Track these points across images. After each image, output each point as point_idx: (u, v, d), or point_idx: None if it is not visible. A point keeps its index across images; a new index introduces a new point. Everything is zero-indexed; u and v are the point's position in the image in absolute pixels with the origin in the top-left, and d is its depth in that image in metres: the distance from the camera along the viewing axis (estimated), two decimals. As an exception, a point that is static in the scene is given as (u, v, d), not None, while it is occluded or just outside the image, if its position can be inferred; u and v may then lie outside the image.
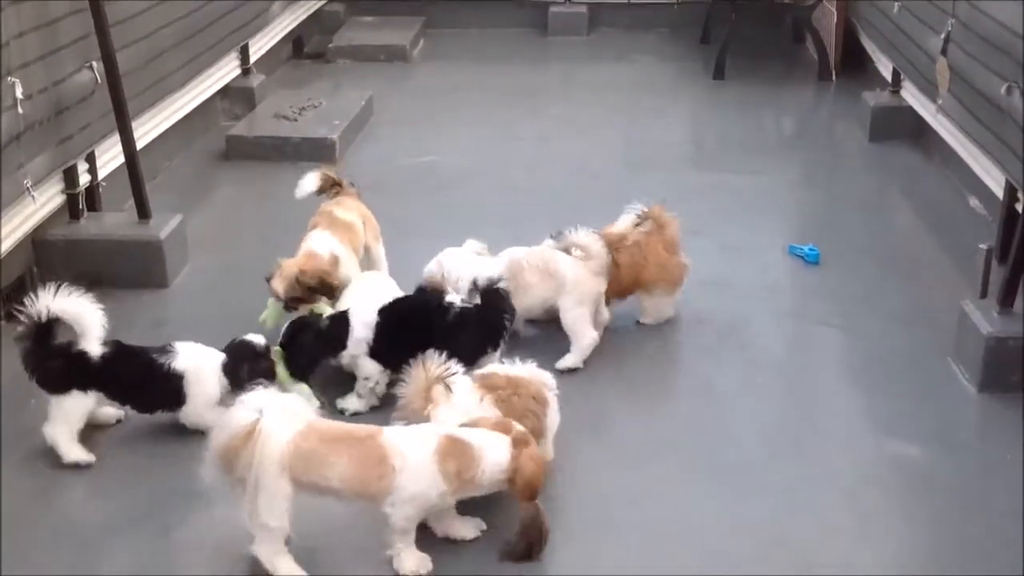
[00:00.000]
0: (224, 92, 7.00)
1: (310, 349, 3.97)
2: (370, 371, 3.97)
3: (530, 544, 3.22)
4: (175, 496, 3.57)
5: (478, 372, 3.61)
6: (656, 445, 3.87)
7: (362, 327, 3.97)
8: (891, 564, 3.30)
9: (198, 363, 3.83)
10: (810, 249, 5.20)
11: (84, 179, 5.09)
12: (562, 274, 4.23)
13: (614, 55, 8.94)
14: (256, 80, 7.26)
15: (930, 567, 3.29)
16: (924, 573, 3.26)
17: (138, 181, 5.04)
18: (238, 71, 7.18)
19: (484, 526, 3.36)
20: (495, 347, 3.93)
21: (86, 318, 3.73)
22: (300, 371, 3.94)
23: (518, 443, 3.18)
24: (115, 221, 5.13)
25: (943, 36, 5.48)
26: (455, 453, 3.13)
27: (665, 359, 4.47)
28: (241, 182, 6.24)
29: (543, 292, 4.24)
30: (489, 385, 3.49)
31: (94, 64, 4.92)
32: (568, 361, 4.22)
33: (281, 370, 3.91)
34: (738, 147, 6.90)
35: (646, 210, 4.51)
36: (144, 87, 5.51)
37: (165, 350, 3.86)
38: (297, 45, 8.77)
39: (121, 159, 5.13)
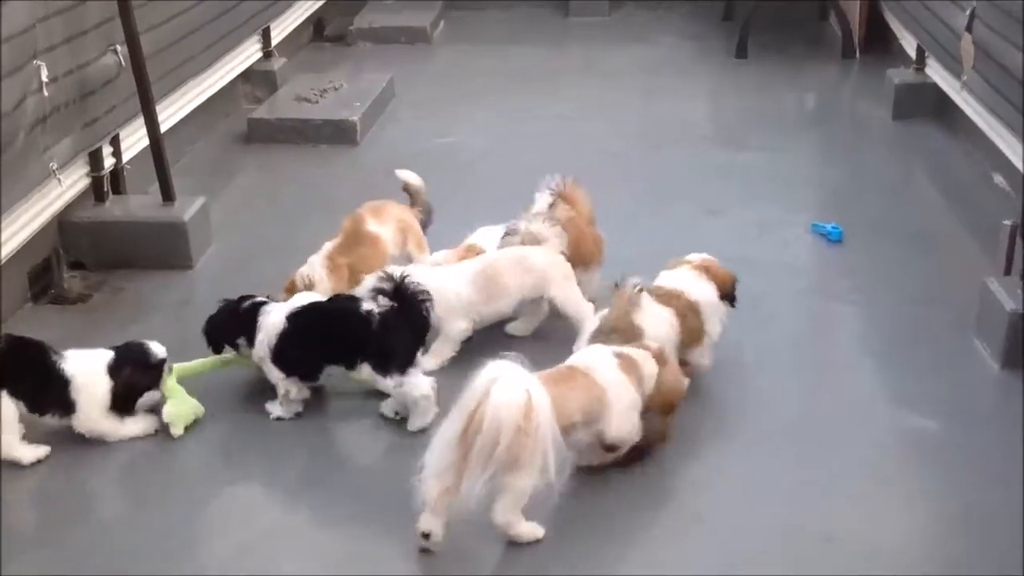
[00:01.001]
0: (246, 75, 7.04)
1: (220, 327, 3.91)
2: (274, 378, 3.81)
3: (642, 448, 3.48)
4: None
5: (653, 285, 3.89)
6: (684, 418, 3.89)
7: (269, 329, 3.79)
8: (909, 536, 3.31)
9: (86, 367, 3.68)
10: (833, 227, 5.19)
11: (109, 162, 5.14)
12: (538, 266, 4.20)
13: (635, 35, 8.92)
14: (277, 63, 7.29)
15: (948, 540, 3.30)
16: (942, 545, 3.27)
17: (162, 164, 5.08)
18: (260, 54, 7.21)
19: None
20: (423, 345, 3.83)
21: None
22: (212, 345, 3.93)
23: (659, 360, 3.50)
24: (140, 203, 5.18)
25: (968, 12, 5.44)
26: (631, 369, 3.42)
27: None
28: (263, 165, 6.28)
29: (521, 291, 4.20)
30: (664, 297, 3.83)
31: (118, 47, 4.96)
32: (583, 343, 4.20)
33: (172, 382, 3.78)
34: (760, 125, 6.88)
35: (558, 189, 4.47)
36: (167, 70, 5.54)
37: (56, 351, 3.70)
38: (318, 28, 8.79)
39: (145, 142, 5.16)
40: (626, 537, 3.32)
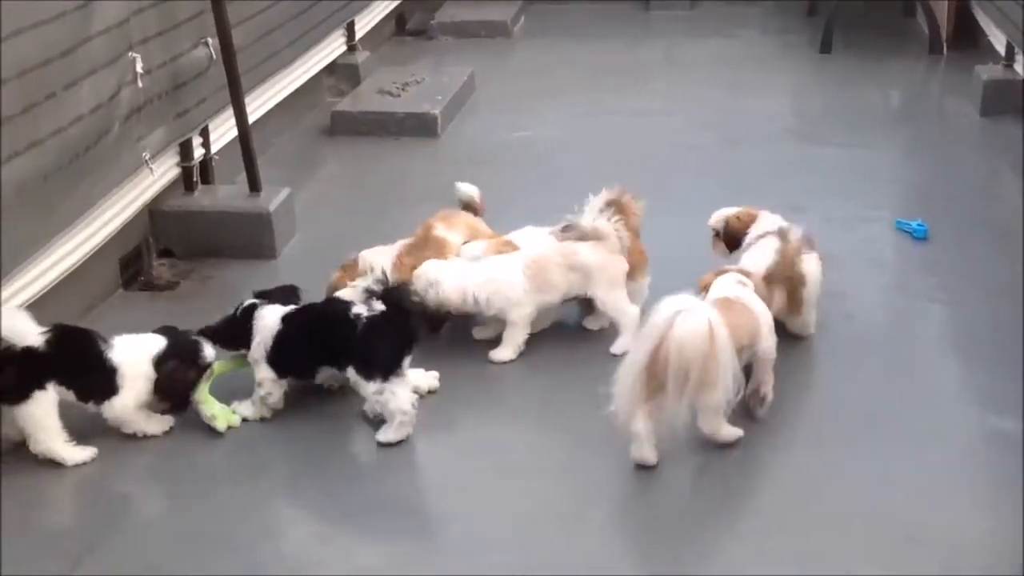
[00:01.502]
0: (330, 69, 7.14)
1: (221, 332, 3.88)
2: (263, 377, 3.78)
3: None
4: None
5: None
6: (761, 419, 3.88)
7: (264, 331, 3.79)
8: (992, 537, 3.25)
9: (132, 356, 3.69)
10: (918, 225, 5.11)
11: (198, 152, 5.26)
12: (587, 265, 4.20)
13: (717, 29, 8.86)
14: (361, 57, 7.39)
15: (1036, 543, 3.24)
16: (1029, 549, 3.22)
17: (250, 155, 5.19)
18: (344, 48, 7.32)
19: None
20: (410, 352, 3.72)
21: (19, 328, 3.57)
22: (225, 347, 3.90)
23: (794, 253, 4.16)
24: (227, 193, 5.29)
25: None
26: (761, 295, 3.82)
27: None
28: (346, 156, 6.38)
29: (567, 287, 4.21)
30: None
31: (209, 40, 5.07)
32: (622, 344, 4.18)
33: (203, 389, 3.76)
34: (843, 121, 6.79)
35: (612, 197, 4.38)
36: (256, 63, 5.66)
37: (105, 339, 3.71)
38: (400, 22, 8.89)
39: (233, 133, 5.28)
40: (706, 534, 3.32)
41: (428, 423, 3.78)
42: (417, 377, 3.90)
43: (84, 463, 3.62)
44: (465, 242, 4.40)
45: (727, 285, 3.81)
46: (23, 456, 3.62)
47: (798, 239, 4.17)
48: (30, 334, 3.58)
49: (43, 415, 3.56)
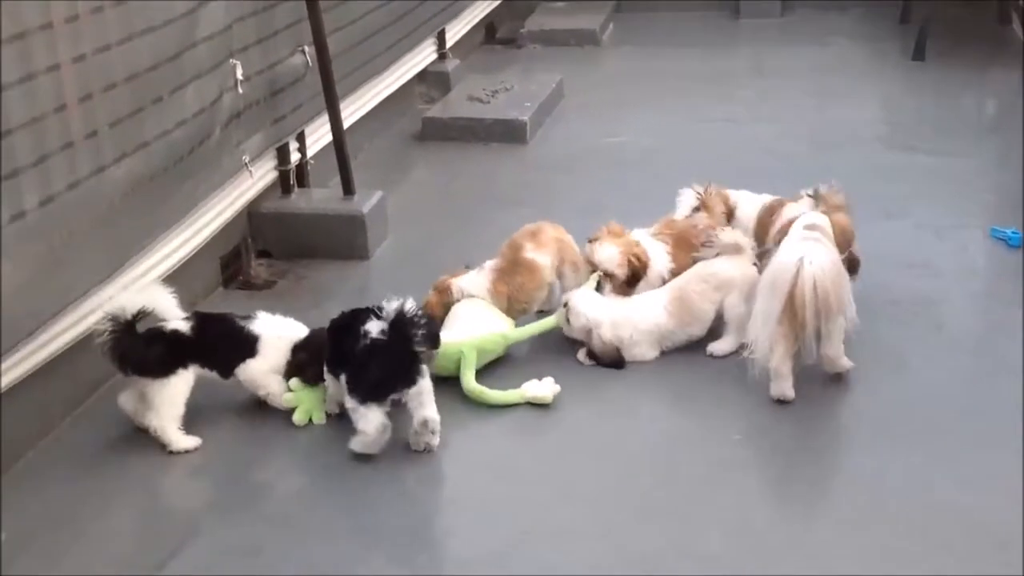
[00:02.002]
0: (421, 76, 7.27)
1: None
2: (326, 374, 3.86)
3: None
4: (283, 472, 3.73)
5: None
6: (843, 418, 3.87)
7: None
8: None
9: (277, 332, 3.93)
10: (1013, 232, 5.03)
11: (295, 157, 5.41)
12: (731, 280, 4.22)
13: (807, 36, 8.81)
14: (451, 64, 7.51)
15: None
16: None
17: (344, 159, 5.32)
18: (435, 56, 7.45)
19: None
20: (407, 383, 3.62)
21: (165, 305, 3.82)
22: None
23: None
24: (322, 196, 5.43)
25: None
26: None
27: (857, 335, 4.41)
28: (435, 162, 6.49)
29: (713, 310, 4.23)
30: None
31: (306, 48, 5.22)
32: (723, 346, 4.23)
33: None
34: (936, 129, 6.71)
35: (701, 195, 4.56)
36: (350, 71, 5.80)
37: (246, 316, 3.97)
38: (490, 31, 9.00)
39: (328, 138, 5.42)
40: (785, 536, 3.32)
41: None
42: (536, 388, 3.94)
43: (188, 451, 3.77)
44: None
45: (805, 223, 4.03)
46: (137, 439, 3.79)
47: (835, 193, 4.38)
48: (174, 313, 3.84)
49: (176, 394, 3.78)
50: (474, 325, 4.14)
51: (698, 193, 4.67)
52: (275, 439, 3.86)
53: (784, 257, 3.83)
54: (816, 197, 4.41)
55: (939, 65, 7.82)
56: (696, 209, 4.63)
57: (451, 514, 3.52)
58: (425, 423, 3.66)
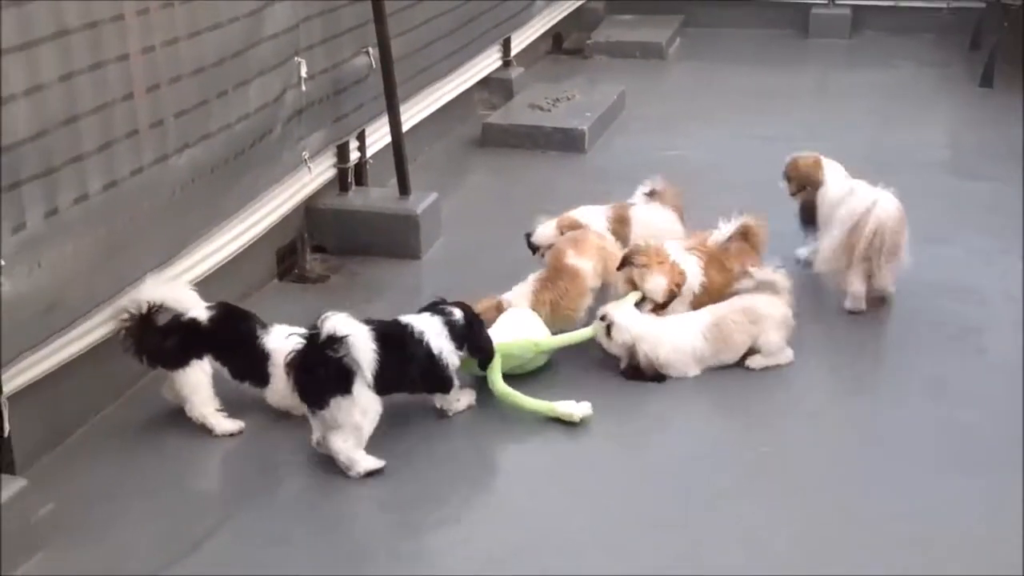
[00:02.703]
0: (484, 82, 7.38)
1: None
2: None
3: None
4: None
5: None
6: (879, 439, 3.88)
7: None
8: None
9: (286, 345, 3.72)
10: (1061, 262, 5.00)
11: (354, 155, 5.54)
12: (768, 317, 4.29)
13: (874, 59, 8.76)
14: (515, 72, 7.61)
15: None
16: None
17: (402, 160, 5.43)
18: (499, 63, 7.55)
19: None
20: (342, 393, 3.57)
21: (184, 299, 3.91)
22: None
23: None
24: (378, 195, 5.55)
25: None
26: None
27: (896, 356, 4.45)
28: (493, 167, 6.58)
29: (748, 343, 4.29)
30: None
31: (370, 50, 5.34)
32: (761, 360, 4.30)
33: None
34: (998, 156, 6.64)
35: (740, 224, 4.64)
36: (413, 74, 5.92)
37: (264, 325, 3.95)
38: (557, 41, 9.08)
39: (387, 139, 5.53)
40: (804, 555, 3.35)
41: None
42: (569, 407, 3.97)
43: (232, 434, 3.89)
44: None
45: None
46: (182, 422, 3.93)
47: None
48: (195, 306, 3.91)
49: (197, 383, 3.86)
50: (509, 332, 4.19)
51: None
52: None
53: (860, 196, 4.65)
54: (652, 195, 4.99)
55: (1007, 92, 7.73)
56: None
57: (470, 512, 3.59)
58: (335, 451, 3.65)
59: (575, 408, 3.97)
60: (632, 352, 4.21)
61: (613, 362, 4.30)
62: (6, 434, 3.42)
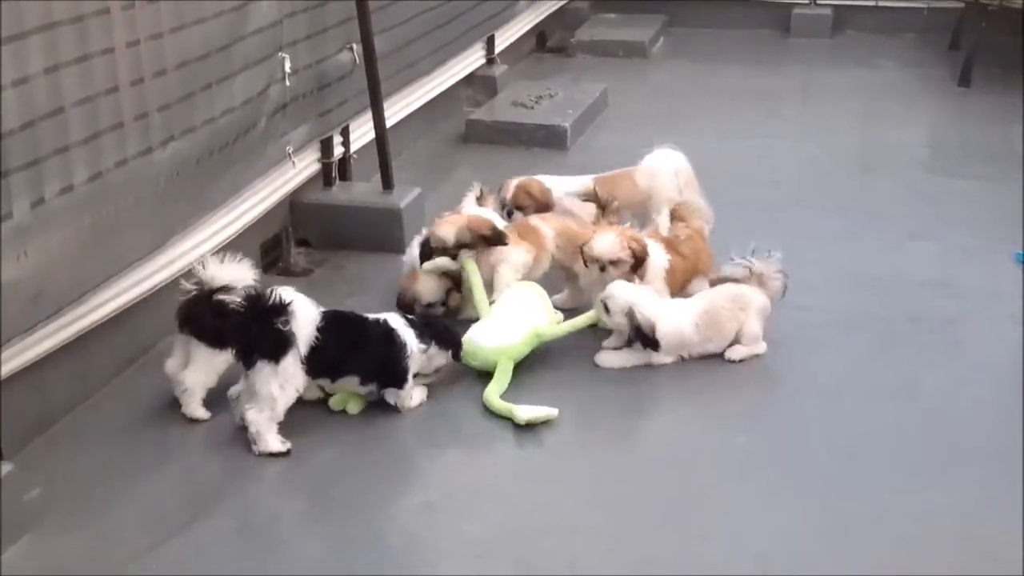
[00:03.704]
0: (468, 79, 7.42)
1: None
2: None
3: None
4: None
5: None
6: (854, 433, 3.94)
7: None
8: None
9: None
10: (1035, 256, 5.09)
11: (338, 151, 5.57)
12: (754, 303, 4.38)
13: (856, 59, 8.85)
14: (499, 70, 7.66)
15: None
16: None
17: (385, 155, 5.47)
18: (483, 60, 7.60)
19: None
20: (270, 359, 3.69)
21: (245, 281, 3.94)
22: None
23: None
24: (362, 190, 5.59)
25: None
26: None
27: (872, 351, 4.50)
28: (477, 163, 6.61)
29: (736, 328, 4.37)
30: None
31: (354, 46, 5.37)
32: (740, 351, 4.36)
33: None
34: (978, 155, 6.73)
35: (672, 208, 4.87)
36: (397, 70, 5.95)
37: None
38: (541, 39, 9.13)
39: (371, 135, 5.57)
40: (783, 547, 3.41)
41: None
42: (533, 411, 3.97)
43: (199, 420, 3.95)
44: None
45: None
46: (169, 412, 3.98)
47: None
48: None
49: (213, 368, 3.95)
50: (510, 319, 4.27)
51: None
52: (312, 414, 4.00)
53: None
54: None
55: (984, 92, 7.83)
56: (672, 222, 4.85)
57: (466, 499, 3.63)
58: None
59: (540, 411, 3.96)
60: (631, 317, 4.24)
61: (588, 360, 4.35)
62: (-7, 421, 3.45)
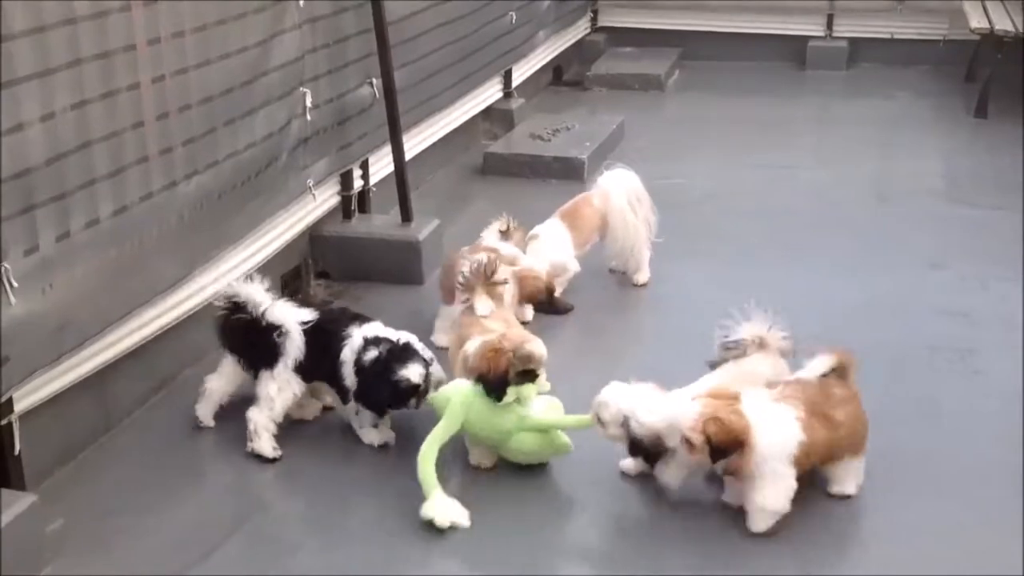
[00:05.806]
0: (486, 113, 7.49)
1: None
2: None
3: None
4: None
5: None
6: (872, 461, 3.92)
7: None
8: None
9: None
10: (1054, 286, 5.08)
11: (357, 183, 5.63)
12: (762, 375, 3.81)
13: (872, 90, 8.87)
14: (516, 103, 7.73)
15: None
16: None
17: (404, 188, 5.53)
18: (500, 94, 7.66)
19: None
20: (268, 367, 4.00)
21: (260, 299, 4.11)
22: None
23: None
24: (381, 222, 5.64)
25: None
26: None
27: (890, 380, 4.50)
28: (495, 195, 6.66)
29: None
30: None
31: (374, 81, 5.45)
32: None
33: None
34: (994, 185, 6.73)
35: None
36: (415, 104, 6.02)
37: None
38: (557, 73, 9.20)
39: (390, 168, 5.64)
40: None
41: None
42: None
43: (202, 425, 4.10)
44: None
45: None
46: (197, 436, 4.01)
47: None
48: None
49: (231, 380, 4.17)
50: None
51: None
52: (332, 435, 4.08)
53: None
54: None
55: (1001, 122, 7.84)
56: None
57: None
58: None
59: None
60: (627, 427, 3.61)
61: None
62: (17, 451, 3.50)
